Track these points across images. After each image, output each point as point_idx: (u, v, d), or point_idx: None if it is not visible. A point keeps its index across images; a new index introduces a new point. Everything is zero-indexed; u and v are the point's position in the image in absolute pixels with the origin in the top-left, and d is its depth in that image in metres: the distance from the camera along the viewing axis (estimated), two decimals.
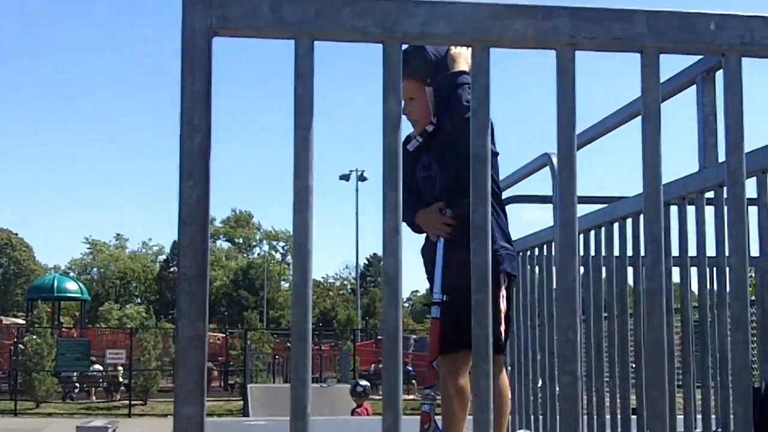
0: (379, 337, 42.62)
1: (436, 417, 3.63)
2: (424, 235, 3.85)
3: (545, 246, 4.80)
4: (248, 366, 28.92)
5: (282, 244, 77.49)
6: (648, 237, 1.80)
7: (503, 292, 3.61)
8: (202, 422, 1.69)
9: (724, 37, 1.82)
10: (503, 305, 3.62)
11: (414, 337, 44.97)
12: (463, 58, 3.56)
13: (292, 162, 1.81)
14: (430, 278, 3.71)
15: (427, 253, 3.78)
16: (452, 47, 3.59)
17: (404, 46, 1.86)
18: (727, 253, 2.77)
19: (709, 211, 3.29)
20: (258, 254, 76.24)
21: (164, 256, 74.75)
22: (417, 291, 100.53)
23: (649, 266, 1.80)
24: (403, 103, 3.64)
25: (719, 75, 2.96)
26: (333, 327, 49.77)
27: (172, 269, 70.85)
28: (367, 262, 63.33)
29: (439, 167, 3.68)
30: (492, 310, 3.53)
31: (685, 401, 3.68)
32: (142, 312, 58.86)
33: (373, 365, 36.21)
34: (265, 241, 77.23)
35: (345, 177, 50.26)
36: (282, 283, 73.99)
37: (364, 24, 1.81)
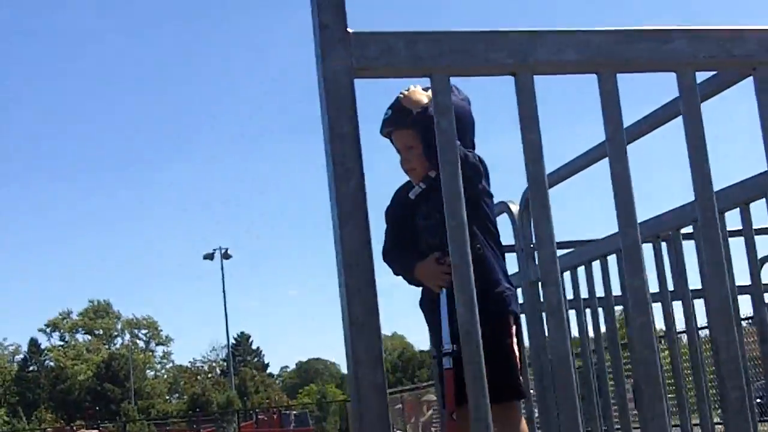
0: (260, 417, 42.19)
1: None
2: (421, 288, 3.81)
3: None
4: None
5: (144, 331, 75.64)
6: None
7: (514, 336, 3.61)
8: None
9: None
10: (516, 348, 3.61)
11: (294, 413, 44.57)
12: (417, 93, 3.56)
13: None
14: (435, 330, 3.65)
15: (428, 305, 3.73)
16: (404, 91, 3.60)
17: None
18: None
19: None
20: (120, 344, 74.07)
21: (22, 355, 71.79)
22: (287, 367, 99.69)
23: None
24: (400, 152, 3.66)
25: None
26: (210, 411, 48.58)
27: (30, 369, 68.13)
28: (235, 342, 62.32)
29: (440, 214, 3.65)
30: (505, 354, 3.54)
31: None
32: (3, 416, 56.17)
33: None
34: (126, 330, 75.16)
35: (209, 256, 49.81)
36: (147, 371, 72.04)
37: (497, 56, 1.83)
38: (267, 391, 69.76)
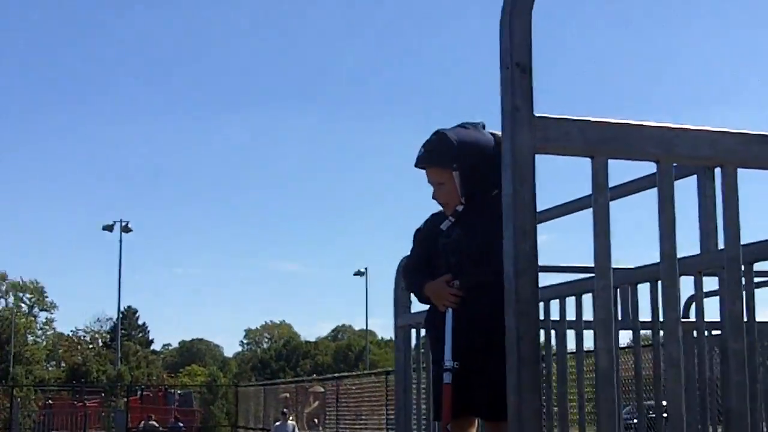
0: (146, 393, 41.92)
1: None
2: (429, 306, 4.03)
3: None
4: (15, 424, 27.51)
5: (29, 296, 74.05)
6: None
7: None
8: None
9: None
10: None
11: (179, 392, 44.40)
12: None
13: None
14: (439, 347, 3.85)
15: (433, 322, 3.98)
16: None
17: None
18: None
19: None
20: (3, 306, 72.38)
21: None
22: (169, 344, 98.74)
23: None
24: (433, 188, 3.95)
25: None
26: (93, 382, 48.00)
27: None
28: (122, 316, 61.49)
29: (465, 235, 3.88)
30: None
31: None
32: None
33: (142, 422, 35.38)
34: (11, 293, 73.45)
35: (109, 227, 49.31)
36: (28, 336, 70.54)
37: (647, 147, 2.17)
38: (149, 367, 69.16)
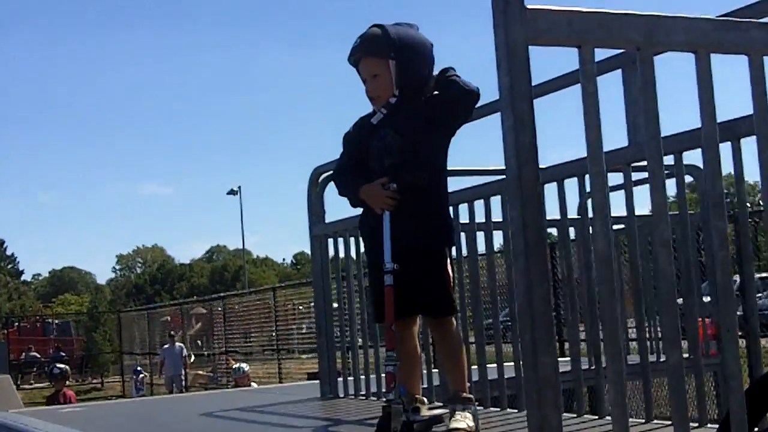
0: (23, 324, 40.97)
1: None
2: (362, 209, 4.10)
3: None
4: None
5: None
6: None
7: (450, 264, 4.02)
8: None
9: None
10: (450, 272, 4.01)
11: (56, 322, 43.65)
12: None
13: None
14: (376, 249, 3.90)
15: (368, 225, 4.02)
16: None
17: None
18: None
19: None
20: None
21: None
22: (39, 275, 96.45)
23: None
24: (366, 81, 3.95)
25: None
26: None
27: None
28: None
29: (400, 136, 3.92)
30: (444, 277, 3.91)
31: None
32: None
33: (23, 354, 34.75)
34: None
35: None
36: None
37: (630, 35, 2.24)
38: (21, 298, 67.56)
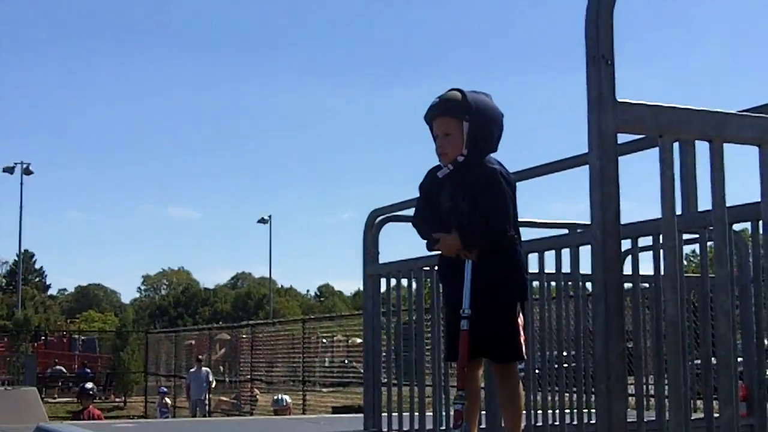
0: (50, 338, 41.42)
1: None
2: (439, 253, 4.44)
3: None
4: None
5: None
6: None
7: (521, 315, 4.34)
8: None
9: None
10: (521, 324, 4.33)
11: (82, 338, 44.14)
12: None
13: None
14: (455, 293, 4.25)
15: (446, 267, 4.41)
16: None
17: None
18: None
19: None
20: None
21: None
22: (65, 290, 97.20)
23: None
24: (438, 138, 4.28)
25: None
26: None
27: None
28: (17, 259, 60.41)
29: (463, 200, 4.26)
30: (515, 326, 4.22)
31: None
32: None
33: (49, 369, 35.17)
34: None
35: (9, 170, 48.48)
36: None
37: (705, 128, 2.57)
38: (47, 312, 68.19)
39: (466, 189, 4.26)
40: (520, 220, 4.38)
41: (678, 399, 2.48)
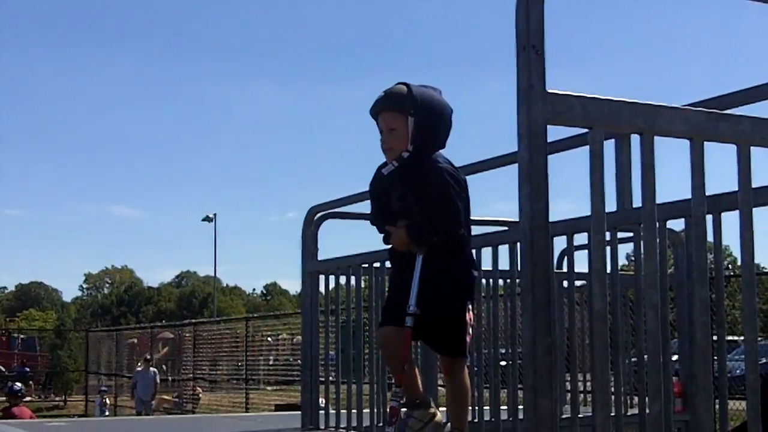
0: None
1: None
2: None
3: None
4: None
5: None
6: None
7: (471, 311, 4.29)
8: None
9: None
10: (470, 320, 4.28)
11: (22, 336, 43.51)
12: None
13: None
14: (405, 288, 4.13)
15: (398, 263, 4.33)
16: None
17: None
18: None
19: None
20: None
21: None
22: (5, 288, 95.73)
23: None
24: (383, 133, 4.21)
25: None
26: None
27: None
28: None
29: (414, 201, 4.18)
30: (463, 322, 4.18)
31: None
32: None
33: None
34: None
35: None
36: None
37: (636, 120, 2.54)
38: None
39: (415, 190, 4.18)
40: None
41: (604, 395, 2.45)
